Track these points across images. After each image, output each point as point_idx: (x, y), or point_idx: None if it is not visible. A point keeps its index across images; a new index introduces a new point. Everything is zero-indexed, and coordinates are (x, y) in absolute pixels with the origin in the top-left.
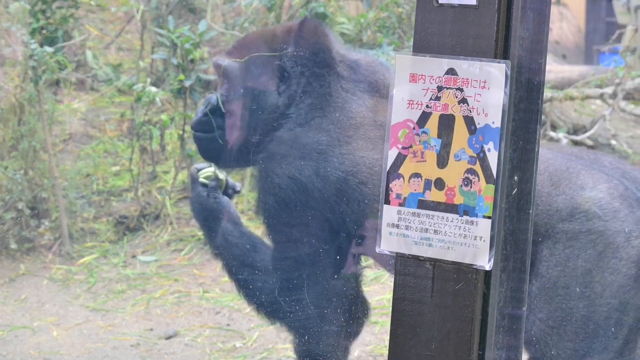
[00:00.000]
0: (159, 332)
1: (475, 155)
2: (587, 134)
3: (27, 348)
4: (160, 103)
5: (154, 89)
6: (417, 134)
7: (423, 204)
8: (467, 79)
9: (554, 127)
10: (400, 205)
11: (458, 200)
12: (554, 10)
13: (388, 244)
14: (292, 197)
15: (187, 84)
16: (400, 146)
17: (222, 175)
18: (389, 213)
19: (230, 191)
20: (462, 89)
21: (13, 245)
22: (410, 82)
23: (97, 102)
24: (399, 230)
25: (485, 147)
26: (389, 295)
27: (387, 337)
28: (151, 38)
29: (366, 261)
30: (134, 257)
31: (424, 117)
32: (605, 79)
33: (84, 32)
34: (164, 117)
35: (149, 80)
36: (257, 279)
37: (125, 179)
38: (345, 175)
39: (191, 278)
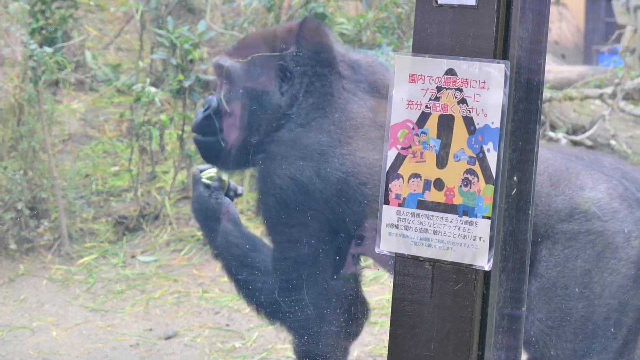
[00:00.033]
0: (159, 332)
1: (474, 155)
2: (587, 134)
3: (26, 348)
4: (160, 103)
5: (153, 89)
6: (417, 135)
7: (422, 205)
8: (466, 79)
9: (553, 128)
10: (400, 205)
11: (457, 200)
12: (553, 10)
13: (387, 244)
14: (292, 198)
15: (187, 84)
16: (399, 146)
17: (224, 176)
18: (389, 213)
19: (231, 193)
20: (462, 89)
21: (12, 246)
22: (409, 82)
23: (96, 102)
24: (398, 231)
25: (485, 148)
26: (388, 296)
27: (386, 338)
28: (150, 38)
29: (366, 261)
30: (133, 257)
31: (424, 118)
32: (605, 79)
33: (83, 33)
34: (163, 117)
35: (148, 80)
36: (257, 280)
37: (124, 179)
38: (346, 176)
39: (190, 278)
